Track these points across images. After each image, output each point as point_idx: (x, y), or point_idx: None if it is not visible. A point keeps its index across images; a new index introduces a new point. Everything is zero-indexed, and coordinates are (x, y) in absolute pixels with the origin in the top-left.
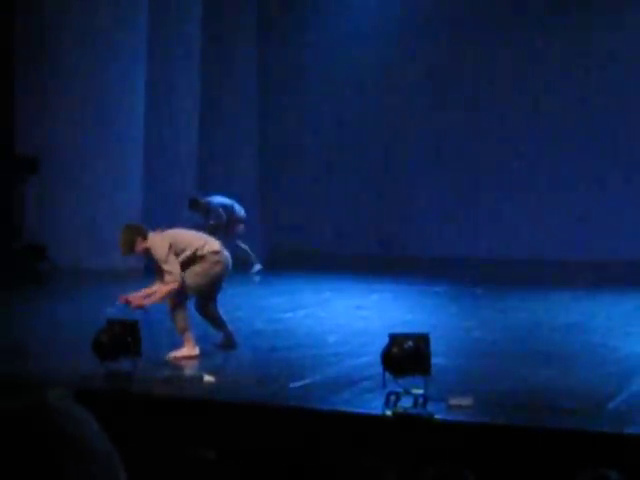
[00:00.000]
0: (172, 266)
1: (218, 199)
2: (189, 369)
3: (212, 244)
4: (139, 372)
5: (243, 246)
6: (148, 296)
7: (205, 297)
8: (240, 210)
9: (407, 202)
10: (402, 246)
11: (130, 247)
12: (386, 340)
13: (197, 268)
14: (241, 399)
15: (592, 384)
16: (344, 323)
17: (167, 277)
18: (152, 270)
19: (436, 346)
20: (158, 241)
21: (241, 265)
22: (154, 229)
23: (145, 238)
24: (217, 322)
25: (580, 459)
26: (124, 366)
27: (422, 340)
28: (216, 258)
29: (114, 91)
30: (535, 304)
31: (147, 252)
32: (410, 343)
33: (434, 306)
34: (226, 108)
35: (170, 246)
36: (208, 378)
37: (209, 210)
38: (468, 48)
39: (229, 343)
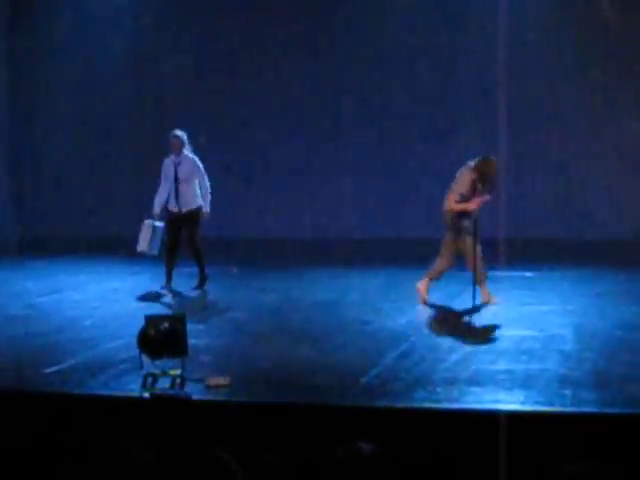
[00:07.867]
0: None
1: None
2: None
3: None
4: None
5: None
6: None
7: None
8: None
9: None
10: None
11: None
12: (142, 322)
13: None
14: None
15: (347, 359)
16: (100, 306)
17: None
18: None
19: (192, 327)
20: None
21: None
22: None
23: None
24: None
25: (336, 433)
26: None
27: (178, 321)
28: None
29: None
30: (291, 283)
31: None
32: (166, 324)
33: (190, 287)
34: None
35: None
36: None
37: None
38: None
39: None
